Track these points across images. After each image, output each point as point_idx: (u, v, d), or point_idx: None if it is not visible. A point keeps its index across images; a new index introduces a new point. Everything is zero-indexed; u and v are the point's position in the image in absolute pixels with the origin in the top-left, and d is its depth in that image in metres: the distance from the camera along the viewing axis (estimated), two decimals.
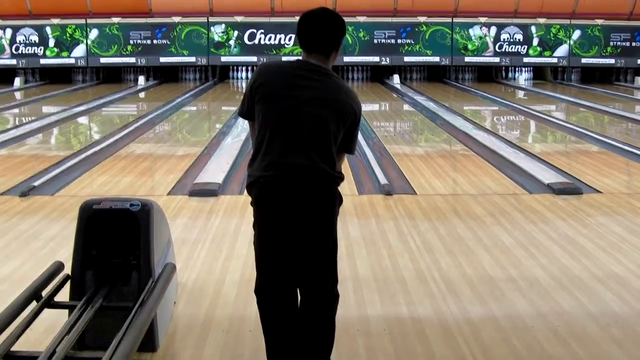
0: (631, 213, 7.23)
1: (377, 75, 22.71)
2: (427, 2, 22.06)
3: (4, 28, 21.62)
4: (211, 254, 5.84)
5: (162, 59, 21.89)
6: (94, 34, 21.74)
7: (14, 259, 5.68)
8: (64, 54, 21.78)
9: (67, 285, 3.98)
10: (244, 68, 22.68)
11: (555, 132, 13.16)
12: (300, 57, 3.64)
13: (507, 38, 22.32)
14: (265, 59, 21.31)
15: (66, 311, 3.87)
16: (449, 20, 22.17)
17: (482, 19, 22.19)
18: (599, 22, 22.23)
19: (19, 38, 21.69)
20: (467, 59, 22.46)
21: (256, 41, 21.89)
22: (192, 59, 21.98)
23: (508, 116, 15.99)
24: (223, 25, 21.90)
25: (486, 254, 5.83)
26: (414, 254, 5.82)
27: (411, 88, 20.80)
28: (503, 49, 22.35)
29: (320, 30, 3.55)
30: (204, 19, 21.82)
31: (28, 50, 21.71)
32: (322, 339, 3.65)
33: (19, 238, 6.29)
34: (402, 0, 22.01)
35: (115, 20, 21.62)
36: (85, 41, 21.74)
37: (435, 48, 22.20)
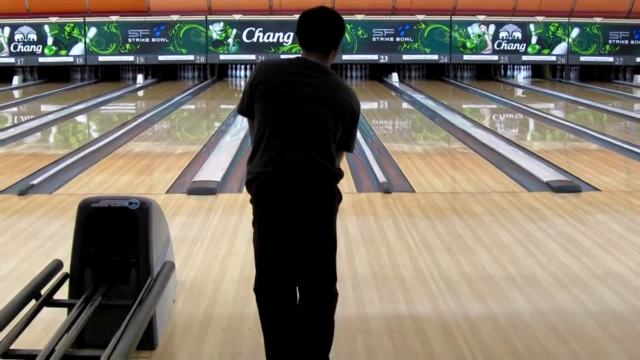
0: (630, 211, 7.23)
1: (376, 73, 22.70)
2: (426, 0, 22.04)
3: (2, 26, 21.59)
4: (210, 252, 5.84)
5: (161, 57, 21.88)
6: (92, 32, 21.71)
7: (12, 258, 5.68)
8: (63, 52, 21.76)
9: (66, 284, 3.98)
10: (242, 66, 22.66)
11: (554, 130, 13.16)
12: (299, 55, 3.65)
13: (506, 36, 22.31)
14: (263, 58, 21.28)
15: (65, 309, 3.87)
16: (447, 18, 22.16)
17: (481, 17, 22.18)
18: (598, 20, 22.23)
19: (18, 36, 21.66)
20: (465, 57, 22.45)
21: (255, 39, 21.88)
22: (191, 57, 21.97)
23: (507, 114, 15.99)
24: (221, 24, 21.88)
25: (485, 252, 5.83)
26: (412, 252, 5.82)
27: (410, 86, 20.80)
28: (502, 47, 22.35)
29: (320, 29, 3.57)
30: (202, 17, 21.81)
31: (26, 48, 21.68)
32: (321, 337, 3.66)
33: (17, 236, 6.29)
34: None
35: (114, 18, 21.60)
36: (83, 39, 21.72)
37: (434, 46, 22.19)
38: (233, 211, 7.11)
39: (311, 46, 3.58)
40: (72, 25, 21.67)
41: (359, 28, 21.83)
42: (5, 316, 3.43)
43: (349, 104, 3.57)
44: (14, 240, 6.20)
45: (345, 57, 21.66)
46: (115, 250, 4.06)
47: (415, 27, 22.07)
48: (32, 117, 14.82)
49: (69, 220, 5.63)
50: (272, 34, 21.79)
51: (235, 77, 22.76)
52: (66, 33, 21.69)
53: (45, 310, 3.77)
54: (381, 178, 8.40)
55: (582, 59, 22.52)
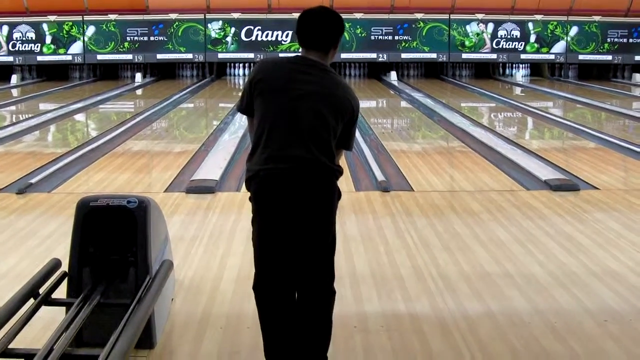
0: (628, 209, 7.24)
1: (374, 71, 22.70)
2: None
3: (0, 25, 21.58)
4: (208, 251, 5.84)
5: (159, 56, 21.87)
6: (90, 30, 21.70)
7: (11, 257, 5.68)
8: (61, 50, 21.75)
9: (65, 283, 3.98)
10: (241, 65, 22.66)
11: (553, 128, 13.17)
12: (299, 54, 3.68)
13: (505, 35, 22.31)
14: (262, 56, 21.29)
15: (64, 308, 3.87)
16: (446, 16, 22.16)
17: (480, 16, 22.18)
18: (596, 18, 22.23)
19: (16, 35, 21.65)
20: (464, 56, 22.45)
21: (253, 38, 21.87)
22: (189, 56, 21.96)
23: (505, 113, 15.99)
24: (220, 22, 21.88)
25: (483, 251, 5.83)
26: (411, 251, 5.82)
27: (408, 85, 20.80)
28: (500, 46, 22.35)
29: (319, 27, 3.60)
30: (201, 16, 21.80)
31: (25, 47, 21.67)
32: (319, 335, 3.66)
33: (16, 235, 6.29)
34: None
35: (112, 17, 21.59)
36: (82, 38, 21.71)
37: (433, 44, 22.18)
38: (232, 210, 7.11)
39: (310, 45, 3.61)
40: (70, 23, 21.66)
41: (358, 26, 21.82)
42: (3, 315, 3.43)
43: (348, 102, 3.59)
44: (13, 239, 6.20)
45: (343, 55, 21.65)
46: (113, 249, 4.06)
47: (413, 26, 22.07)
48: (30, 115, 14.80)
49: (68, 219, 5.62)
50: (270, 32, 21.78)
51: (234, 75, 22.75)
52: (65, 31, 21.68)
53: (44, 309, 3.77)
54: (380, 177, 8.40)
55: (580, 57, 22.53)
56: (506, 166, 9.19)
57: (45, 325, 4.04)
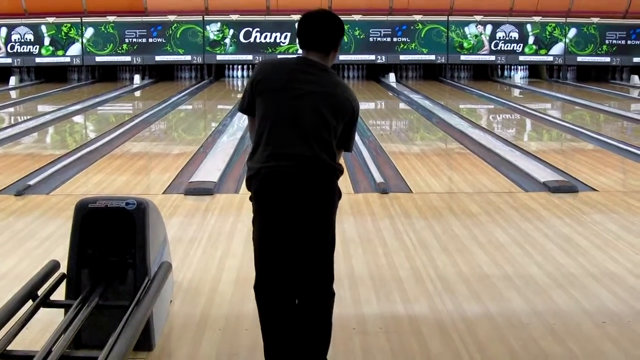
0: (626, 211, 7.24)
1: (373, 73, 22.70)
2: (423, 1, 22.05)
3: None
4: (207, 253, 5.84)
5: (158, 58, 21.86)
6: (89, 32, 21.70)
7: (9, 258, 5.68)
8: (60, 52, 21.74)
9: (63, 284, 3.98)
10: (239, 66, 22.65)
11: (551, 130, 13.17)
12: (300, 54, 3.73)
13: (503, 36, 22.31)
14: (260, 58, 21.30)
15: (62, 310, 3.86)
16: (444, 18, 22.17)
17: (478, 17, 22.19)
18: (595, 20, 22.24)
19: (14, 37, 21.64)
20: (462, 57, 22.45)
21: (252, 40, 21.87)
22: (188, 58, 21.96)
23: (504, 114, 16.00)
24: (218, 24, 21.88)
25: (482, 252, 5.83)
26: (409, 252, 5.82)
27: (407, 86, 20.81)
28: (499, 47, 22.36)
29: (320, 29, 3.65)
30: (199, 18, 21.80)
31: (23, 48, 21.66)
32: (319, 337, 3.67)
33: (14, 237, 6.29)
34: None
35: (111, 18, 21.59)
36: (80, 40, 21.70)
37: (431, 46, 22.19)
38: (230, 212, 7.11)
39: (311, 46, 3.65)
40: (69, 25, 21.65)
41: (356, 28, 21.82)
42: (2, 317, 3.43)
43: (348, 102, 3.62)
44: (11, 240, 6.19)
45: (342, 57, 21.64)
46: (112, 250, 4.06)
47: (412, 28, 22.07)
48: (29, 117, 14.80)
49: (66, 221, 5.62)
50: (269, 34, 21.78)
51: (233, 77, 22.75)
52: (63, 33, 21.67)
53: (42, 311, 3.76)
54: (378, 178, 8.40)
55: (579, 59, 22.53)
56: (505, 168, 9.19)
57: (44, 327, 4.04)
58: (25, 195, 7.72)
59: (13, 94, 19.91)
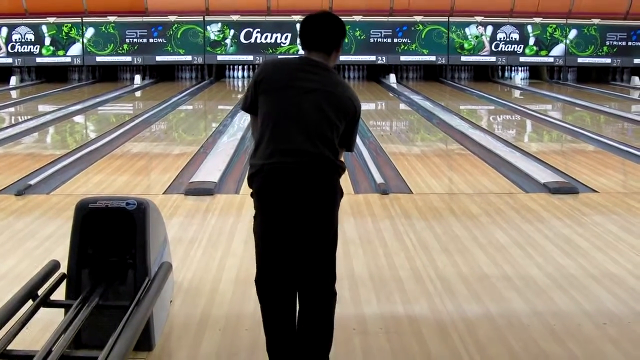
0: (627, 212, 7.24)
1: (373, 74, 22.70)
2: (424, 1, 22.06)
3: None
4: (207, 253, 5.84)
5: (158, 58, 21.87)
6: (90, 32, 21.71)
7: (9, 258, 5.68)
8: (60, 52, 21.75)
9: (63, 284, 3.98)
10: (240, 67, 22.65)
11: (552, 131, 13.17)
12: (302, 54, 3.77)
13: (504, 37, 22.32)
14: (261, 58, 21.33)
15: (62, 310, 3.86)
16: (445, 19, 22.17)
17: (479, 18, 22.19)
18: (595, 21, 22.24)
19: (15, 36, 21.65)
20: (463, 58, 22.46)
21: (252, 40, 21.87)
22: (188, 58, 21.96)
23: (504, 115, 16.00)
24: (219, 24, 21.88)
25: (482, 253, 5.83)
26: (410, 253, 5.82)
27: (407, 87, 20.81)
28: (499, 48, 22.36)
29: (321, 29, 3.69)
30: (200, 18, 21.80)
31: (24, 48, 21.67)
32: (321, 338, 3.68)
33: (14, 237, 6.29)
34: (398, 0, 22.02)
35: (111, 19, 21.60)
36: (81, 40, 21.71)
37: (432, 47, 22.20)
38: (230, 212, 7.11)
39: (313, 46, 3.69)
40: (69, 25, 21.66)
41: (357, 29, 21.82)
42: (2, 317, 3.43)
43: (350, 101, 3.65)
44: (11, 240, 6.19)
45: (342, 58, 21.48)
46: (112, 250, 4.06)
47: (412, 28, 22.08)
48: (29, 117, 14.80)
49: (66, 221, 5.62)
50: (269, 34, 21.78)
51: (233, 77, 22.75)
52: (64, 33, 21.68)
53: (42, 310, 3.76)
54: (378, 179, 8.40)
55: (579, 60, 22.54)
56: (505, 169, 9.19)
57: (44, 326, 4.04)
58: (25, 195, 7.72)
59: (14, 93, 19.91)
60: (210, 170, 8.80)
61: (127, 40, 21.72)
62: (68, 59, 21.83)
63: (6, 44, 21.62)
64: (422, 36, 22.10)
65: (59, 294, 3.94)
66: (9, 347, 3.29)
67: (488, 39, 22.32)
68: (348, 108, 3.64)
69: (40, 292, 3.79)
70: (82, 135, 13.34)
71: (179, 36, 21.75)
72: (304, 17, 3.77)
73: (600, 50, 22.40)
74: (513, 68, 23.22)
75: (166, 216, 5.76)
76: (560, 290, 5.04)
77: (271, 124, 3.56)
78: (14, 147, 11.01)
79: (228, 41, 21.92)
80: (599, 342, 4.23)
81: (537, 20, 22.27)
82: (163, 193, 7.90)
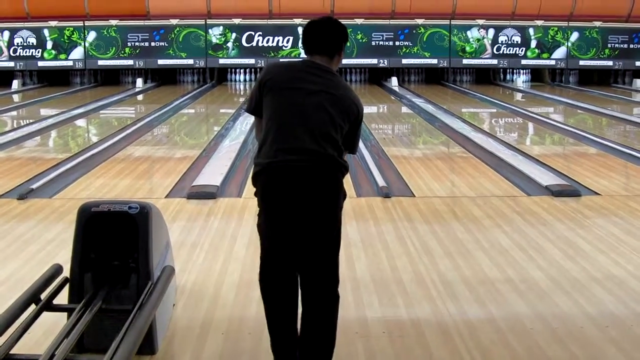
0: (629, 215, 7.23)
1: (375, 77, 22.71)
2: (425, 4, 22.07)
3: (1, 30, 21.61)
4: (210, 257, 5.84)
5: (160, 62, 21.89)
6: (91, 36, 21.73)
7: (12, 262, 5.68)
8: (62, 56, 21.77)
9: (66, 288, 3.98)
10: (242, 70, 22.68)
11: (554, 134, 13.17)
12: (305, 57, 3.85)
13: (505, 40, 22.33)
14: (263, 61, 21.35)
15: (65, 314, 3.87)
16: (446, 22, 22.18)
17: (480, 21, 22.20)
18: (597, 24, 22.25)
19: (17, 40, 21.68)
20: (465, 61, 22.47)
21: (254, 43, 21.88)
22: (190, 61, 21.98)
23: (506, 118, 15.99)
24: (221, 28, 21.90)
25: (484, 256, 5.83)
26: (412, 256, 5.82)
27: (409, 90, 20.81)
28: (501, 51, 22.37)
29: (324, 33, 3.77)
30: (201, 21, 21.82)
31: (26, 52, 21.70)
32: (323, 341, 3.69)
33: (17, 241, 6.29)
34: (399, 3, 22.03)
35: (113, 22, 21.62)
36: (83, 43, 21.74)
37: (433, 50, 22.20)
38: (232, 215, 7.11)
39: (315, 49, 3.76)
40: (71, 29, 21.69)
41: (358, 32, 21.83)
42: (5, 321, 3.43)
43: (353, 103, 3.72)
44: (14, 244, 6.19)
45: (344, 61, 21.34)
46: (115, 254, 4.06)
47: (414, 31, 22.09)
48: (31, 121, 14.81)
49: (69, 225, 5.63)
50: (271, 37, 21.79)
51: (235, 81, 22.77)
52: (66, 37, 21.70)
53: (45, 314, 3.77)
54: (381, 182, 8.40)
55: (581, 63, 22.54)
56: (507, 172, 9.18)
57: (47, 331, 4.04)
58: (28, 199, 7.72)
59: (16, 97, 19.95)
60: (212, 174, 8.80)
61: (129, 44, 21.75)
62: (70, 63, 21.85)
63: (8, 48, 21.65)
64: (424, 39, 22.11)
65: (62, 298, 3.94)
66: (12, 352, 3.29)
67: (490, 41, 22.34)
68: (351, 110, 3.69)
69: (42, 296, 3.79)
70: (84, 139, 13.35)
71: (180, 40, 21.77)
72: (305, 20, 3.82)
73: (602, 53, 22.41)
74: (515, 71, 23.23)
75: (168, 220, 5.76)
76: (562, 293, 5.03)
77: (276, 124, 3.60)
78: (16, 151, 11.02)
79: (230, 44, 21.93)
80: (602, 345, 4.23)
81: (539, 23, 22.28)
82: (165, 197, 7.91)
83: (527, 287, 5.15)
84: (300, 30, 20.29)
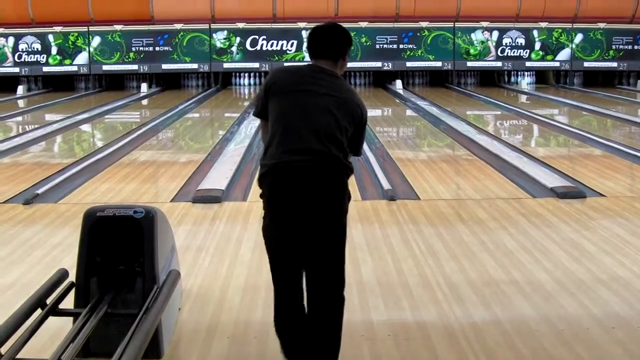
0: (635, 216, 7.22)
1: (380, 80, 22.71)
2: (429, 7, 22.06)
3: (6, 36, 21.66)
4: (215, 261, 5.84)
5: (165, 66, 21.90)
6: (96, 41, 21.76)
7: (18, 267, 5.69)
8: (67, 61, 21.80)
9: (72, 293, 3.99)
10: (246, 74, 22.68)
11: (558, 136, 13.15)
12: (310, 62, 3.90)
13: (509, 42, 22.31)
14: (267, 65, 21.36)
15: (71, 318, 3.87)
16: (450, 25, 22.17)
17: (484, 24, 22.19)
18: (601, 25, 22.22)
19: (22, 46, 21.72)
20: (469, 64, 22.45)
21: (258, 47, 21.88)
22: (195, 66, 21.99)
23: (511, 120, 15.99)
24: (225, 32, 21.91)
25: (490, 259, 5.83)
26: (417, 259, 5.82)
27: (414, 93, 20.81)
28: (505, 53, 22.35)
29: (328, 37, 3.83)
30: (206, 26, 21.84)
31: (31, 58, 21.74)
32: (330, 344, 3.70)
33: (23, 246, 6.30)
34: (404, 6, 22.02)
35: (118, 27, 21.65)
36: (87, 49, 21.77)
37: (438, 53, 22.19)
38: (238, 219, 7.11)
39: (320, 54, 3.82)
40: (76, 34, 21.72)
41: (363, 35, 21.83)
42: (11, 325, 3.43)
43: (357, 105, 3.76)
44: (20, 249, 6.21)
45: (349, 64, 21.34)
46: (120, 259, 4.07)
47: (418, 34, 22.08)
48: (36, 126, 14.84)
49: (74, 229, 5.64)
50: (275, 42, 21.79)
51: (239, 85, 22.78)
52: (70, 42, 21.74)
53: (51, 319, 3.77)
54: (386, 185, 8.40)
55: (585, 64, 22.51)
56: (512, 174, 9.18)
57: (53, 335, 4.05)
58: (33, 204, 7.73)
59: (21, 103, 19.99)
60: (217, 178, 8.81)
61: (134, 49, 21.77)
62: (75, 68, 21.89)
63: (13, 54, 21.70)
64: (428, 42, 22.11)
65: (68, 303, 3.95)
66: (18, 356, 3.30)
67: (494, 44, 22.32)
68: (356, 113, 3.73)
69: (48, 300, 3.80)
70: (90, 143, 13.37)
71: (185, 44, 21.79)
72: (310, 24, 3.86)
73: (607, 54, 22.38)
74: (519, 73, 23.20)
75: (174, 224, 5.77)
76: (568, 294, 5.03)
77: (282, 126, 3.65)
78: (21, 156, 11.04)
79: (234, 49, 21.94)
80: (608, 346, 4.22)
81: (543, 24, 22.26)
82: (170, 201, 7.92)
83: (533, 289, 5.14)
84: (304, 34, 20.39)
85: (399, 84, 22.02)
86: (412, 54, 22.14)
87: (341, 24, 3.91)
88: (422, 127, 14.60)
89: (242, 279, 5.35)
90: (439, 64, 22.30)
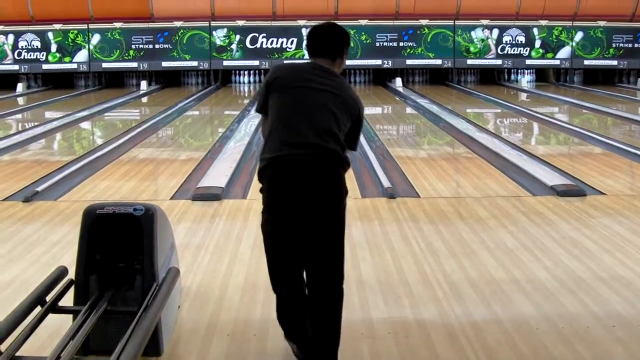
0: (635, 214, 7.22)
1: (379, 78, 22.72)
2: (429, 5, 22.07)
3: (6, 34, 21.66)
4: (215, 258, 5.84)
5: (164, 64, 21.91)
6: (96, 39, 21.77)
7: (17, 264, 5.69)
8: (66, 59, 21.81)
9: (71, 290, 3.98)
10: (246, 72, 22.69)
11: (558, 134, 13.15)
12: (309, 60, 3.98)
13: (509, 40, 22.32)
14: (267, 63, 21.36)
15: (70, 316, 3.86)
16: (450, 22, 22.18)
17: (484, 21, 22.19)
18: (602, 23, 22.22)
19: (21, 43, 21.73)
20: (469, 62, 22.46)
21: (258, 45, 21.89)
22: (194, 64, 21.99)
23: (511, 118, 15.98)
24: (225, 30, 21.92)
25: (490, 257, 5.82)
26: (417, 257, 5.81)
27: (413, 91, 20.81)
28: (505, 51, 22.35)
29: (326, 37, 3.92)
30: (205, 24, 21.84)
31: (30, 55, 21.75)
32: (329, 337, 3.72)
33: (22, 243, 6.29)
34: (403, 3, 22.03)
35: (117, 25, 21.65)
36: (87, 46, 21.77)
37: (438, 51, 22.20)
38: (238, 217, 7.11)
39: (318, 52, 3.90)
40: (75, 32, 21.72)
41: (362, 33, 21.83)
42: (10, 323, 3.43)
43: (354, 102, 3.84)
44: (19, 247, 6.20)
45: (348, 62, 21.27)
46: (120, 256, 4.06)
47: (418, 32, 22.08)
48: (36, 123, 14.83)
49: (74, 227, 5.63)
50: (275, 39, 21.78)
51: (239, 82, 22.79)
52: (70, 40, 21.74)
53: (51, 317, 3.76)
54: (386, 183, 8.39)
55: (585, 62, 22.52)
56: (512, 172, 9.17)
57: (52, 333, 4.04)
58: (33, 202, 7.73)
59: (20, 100, 19.97)
60: (217, 176, 8.80)
61: (133, 46, 21.78)
62: (74, 66, 21.89)
63: (12, 51, 21.70)
64: (428, 40, 22.11)
65: (67, 300, 3.94)
66: (18, 354, 3.29)
67: (494, 42, 22.32)
68: (353, 109, 3.82)
69: (48, 298, 3.79)
70: (89, 141, 13.36)
71: (184, 42, 21.79)
72: (309, 22, 3.91)
73: (607, 53, 22.39)
74: (519, 71, 23.23)
75: (173, 222, 5.76)
76: (568, 293, 5.02)
77: (282, 120, 3.72)
78: (21, 154, 11.04)
79: (234, 46, 21.94)
80: (608, 345, 4.22)
81: (543, 22, 22.26)
82: (170, 199, 7.91)
83: (533, 287, 5.14)
84: (304, 31, 20.39)
85: (398, 81, 22.02)
86: (412, 51, 22.14)
87: (341, 21, 3.93)
88: (422, 125, 14.60)
89: (241, 277, 5.35)
90: (439, 61, 22.31)
